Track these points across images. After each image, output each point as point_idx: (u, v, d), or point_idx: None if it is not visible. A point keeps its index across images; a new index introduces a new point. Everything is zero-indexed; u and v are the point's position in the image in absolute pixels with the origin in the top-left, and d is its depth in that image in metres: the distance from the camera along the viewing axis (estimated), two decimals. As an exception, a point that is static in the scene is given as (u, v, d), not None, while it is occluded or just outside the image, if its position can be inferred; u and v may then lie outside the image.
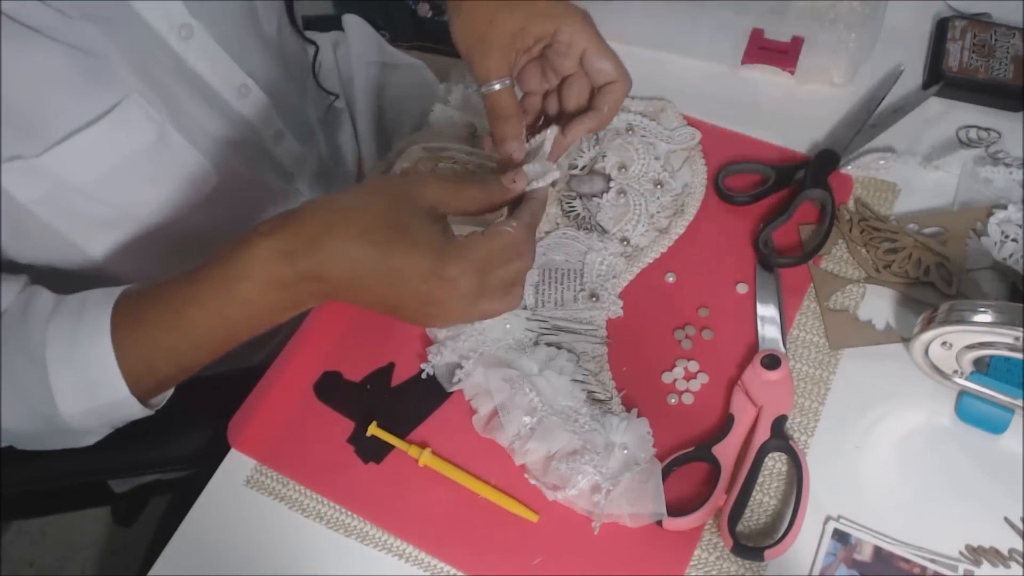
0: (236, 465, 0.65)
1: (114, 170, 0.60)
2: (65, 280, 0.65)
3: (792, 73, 0.78)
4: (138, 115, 0.60)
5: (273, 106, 0.74)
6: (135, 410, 0.57)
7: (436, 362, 0.65)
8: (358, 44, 0.97)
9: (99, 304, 0.55)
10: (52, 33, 0.54)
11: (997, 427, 0.60)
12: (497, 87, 0.60)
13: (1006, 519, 0.58)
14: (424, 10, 1.25)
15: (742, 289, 0.68)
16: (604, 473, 0.58)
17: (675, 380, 0.65)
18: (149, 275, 0.69)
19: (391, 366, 0.67)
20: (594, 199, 0.72)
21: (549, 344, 0.65)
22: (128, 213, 0.65)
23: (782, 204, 0.71)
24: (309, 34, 0.85)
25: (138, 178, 0.63)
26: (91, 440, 0.60)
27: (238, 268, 0.52)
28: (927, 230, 0.68)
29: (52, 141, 0.56)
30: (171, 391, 0.61)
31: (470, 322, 0.58)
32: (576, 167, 0.74)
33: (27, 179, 0.57)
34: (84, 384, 0.54)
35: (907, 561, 0.56)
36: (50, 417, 0.55)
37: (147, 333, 0.54)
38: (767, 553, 0.56)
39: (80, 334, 0.54)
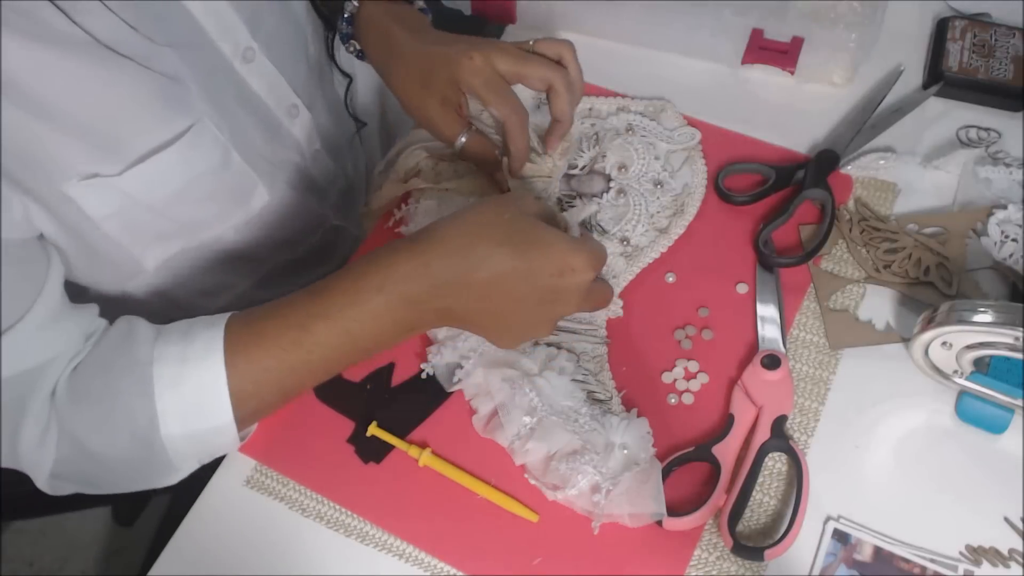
0: (236, 465, 0.65)
1: (181, 189, 0.62)
2: (116, 298, 0.67)
3: (792, 73, 0.78)
4: (207, 138, 0.62)
5: (315, 125, 0.76)
6: (229, 440, 0.57)
7: (436, 362, 0.65)
8: None
9: (209, 326, 0.56)
10: (141, 60, 0.56)
11: (997, 427, 0.60)
12: (463, 140, 0.66)
13: (1006, 519, 0.58)
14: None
15: (742, 289, 0.68)
16: (604, 473, 0.58)
17: (675, 380, 0.65)
18: (193, 288, 0.71)
19: (391, 366, 0.67)
20: (594, 199, 0.72)
21: (549, 344, 0.65)
22: (185, 227, 0.67)
23: (782, 204, 0.71)
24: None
25: (200, 196, 0.64)
26: (178, 477, 0.59)
27: (374, 282, 0.54)
28: (927, 230, 0.68)
29: (129, 161, 0.57)
30: (255, 427, 0.63)
31: (582, 310, 0.61)
32: (576, 167, 0.74)
33: (101, 196, 0.58)
34: (190, 405, 0.54)
35: (907, 561, 0.56)
36: (150, 441, 0.54)
37: (266, 350, 0.55)
38: (767, 553, 0.56)
39: (190, 352, 0.54)
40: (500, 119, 0.65)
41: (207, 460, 0.59)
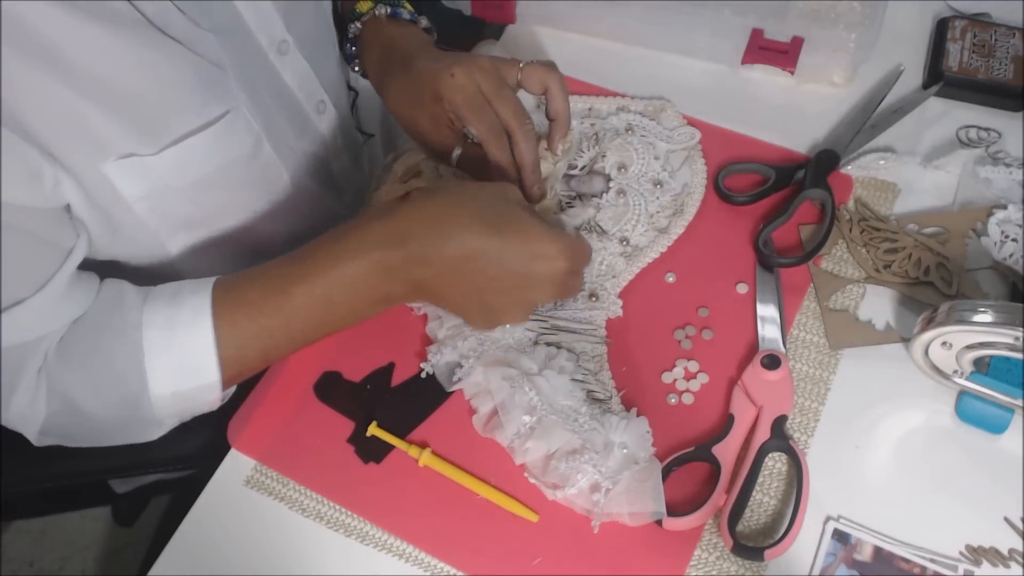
0: (236, 465, 0.65)
1: (212, 175, 0.62)
2: (134, 278, 0.67)
3: (792, 73, 0.78)
4: (241, 126, 0.62)
5: (339, 122, 0.77)
6: (213, 398, 0.59)
7: (436, 362, 0.65)
8: None
9: (196, 291, 0.57)
10: (185, 42, 0.57)
11: (997, 427, 0.60)
12: (457, 153, 0.67)
13: (1006, 519, 0.58)
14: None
15: (742, 289, 0.68)
16: (604, 472, 0.58)
17: (675, 380, 0.65)
18: (212, 275, 0.71)
19: (391, 366, 0.67)
20: (594, 199, 0.72)
21: (549, 344, 0.65)
22: (212, 215, 0.67)
23: (782, 204, 0.71)
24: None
25: (229, 184, 0.65)
26: (158, 433, 0.61)
27: (349, 246, 0.56)
28: (927, 230, 0.68)
29: (166, 142, 0.58)
30: (234, 388, 0.64)
31: (551, 302, 0.63)
32: (576, 167, 0.74)
33: (135, 176, 0.59)
34: (179, 366, 0.56)
35: (907, 561, 0.56)
36: (138, 400, 0.56)
37: (248, 315, 0.57)
38: (767, 553, 0.56)
39: (178, 315, 0.56)
40: (477, 137, 0.65)
41: (188, 418, 0.61)
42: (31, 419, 0.57)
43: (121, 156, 0.57)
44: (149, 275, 0.69)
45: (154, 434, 0.61)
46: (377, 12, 0.74)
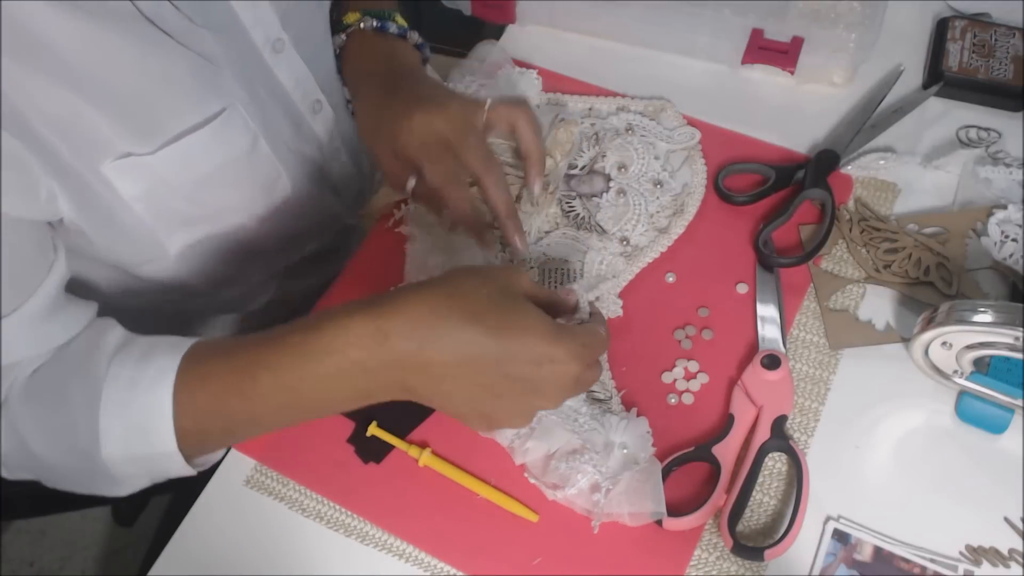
0: (236, 465, 0.65)
1: (211, 173, 0.62)
2: (134, 281, 0.67)
3: (792, 73, 0.78)
4: (238, 123, 0.61)
5: (336, 124, 0.76)
6: (178, 466, 0.55)
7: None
8: None
9: (167, 353, 0.54)
10: (179, 38, 0.56)
11: (997, 427, 0.60)
12: (411, 184, 0.66)
13: (1006, 519, 0.58)
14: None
15: (742, 289, 0.68)
16: (604, 472, 0.58)
17: (675, 380, 0.65)
18: (207, 278, 0.72)
19: (391, 366, 0.67)
20: (594, 199, 0.72)
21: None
22: (210, 214, 0.67)
23: (782, 204, 0.71)
24: None
25: (228, 182, 0.64)
26: (126, 491, 0.57)
27: (323, 341, 0.50)
28: (927, 230, 0.68)
29: (163, 141, 0.57)
30: (218, 455, 0.60)
31: (553, 407, 0.55)
32: (576, 167, 0.74)
33: (133, 176, 0.58)
34: (132, 429, 0.52)
35: (907, 561, 0.56)
36: (90, 456, 0.53)
37: (209, 391, 0.52)
38: (767, 553, 0.56)
39: (141, 378, 0.53)
40: (431, 184, 0.64)
41: (161, 480, 0.57)
42: None
43: (119, 156, 0.56)
44: (149, 278, 0.69)
45: (117, 492, 0.57)
46: (363, 25, 0.72)
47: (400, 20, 0.73)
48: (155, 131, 0.57)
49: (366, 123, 0.70)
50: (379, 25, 0.72)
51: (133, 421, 0.52)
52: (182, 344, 0.54)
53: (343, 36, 0.73)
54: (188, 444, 0.53)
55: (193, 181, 0.61)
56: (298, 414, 0.54)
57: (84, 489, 0.57)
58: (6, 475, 0.58)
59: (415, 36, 0.74)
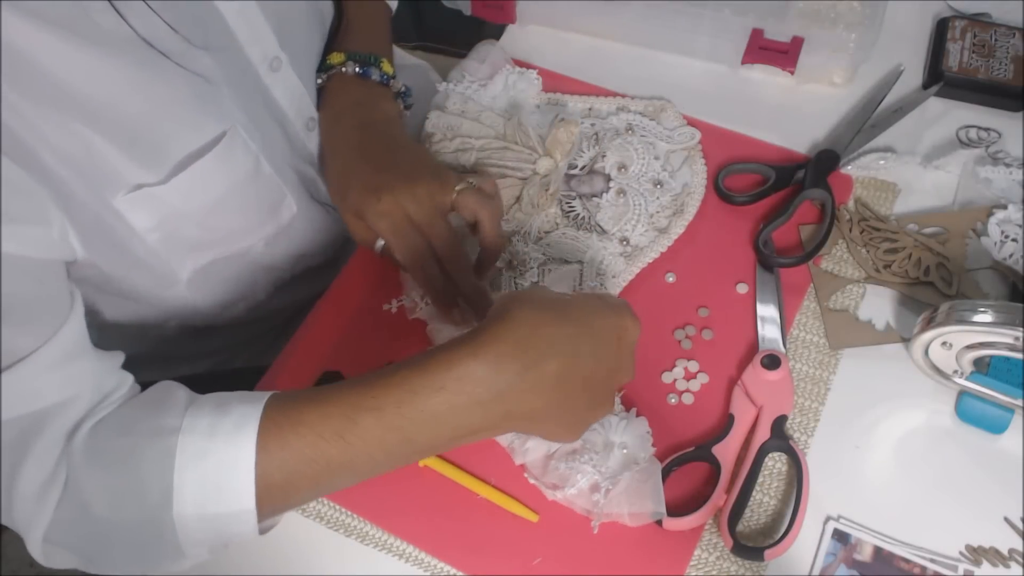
0: (236, 465, 0.65)
1: (219, 199, 0.62)
2: (145, 307, 0.67)
3: (792, 73, 0.78)
4: (240, 145, 0.61)
5: None
6: (248, 528, 0.50)
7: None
8: None
9: (247, 401, 0.51)
10: (177, 59, 0.56)
11: (997, 427, 0.60)
12: (380, 245, 0.66)
13: (1006, 519, 0.58)
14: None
15: (742, 289, 0.68)
16: (603, 472, 0.58)
17: (675, 380, 0.65)
18: (216, 299, 0.72)
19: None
20: (593, 199, 0.72)
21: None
22: (220, 238, 0.66)
23: (782, 204, 0.71)
24: None
25: (235, 206, 0.64)
26: (186, 565, 0.52)
27: (429, 378, 0.49)
28: (927, 230, 0.68)
29: (169, 168, 0.57)
30: (280, 519, 0.57)
31: (631, 379, 0.57)
32: (576, 167, 0.74)
33: (146, 208, 0.58)
34: (210, 485, 0.49)
35: (907, 561, 0.56)
36: (159, 517, 0.49)
37: (302, 437, 0.49)
38: (767, 553, 0.56)
39: (221, 427, 0.49)
40: (400, 262, 0.64)
41: (220, 550, 0.53)
42: (35, 519, 0.50)
43: (131, 189, 0.56)
44: (158, 303, 0.69)
45: (177, 567, 0.52)
46: (345, 69, 0.71)
47: (386, 66, 0.72)
48: (160, 157, 0.57)
49: (335, 183, 0.68)
50: (361, 72, 0.71)
51: (211, 474, 0.49)
52: (259, 395, 0.51)
53: (323, 76, 0.71)
54: (270, 499, 0.50)
55: (202, 208, 0.61)
56: (398, 459, 0.51)
57: (140, 565, 0.52)
58: (45, 558, 0.53)
59: (398, 84, 0.73)
